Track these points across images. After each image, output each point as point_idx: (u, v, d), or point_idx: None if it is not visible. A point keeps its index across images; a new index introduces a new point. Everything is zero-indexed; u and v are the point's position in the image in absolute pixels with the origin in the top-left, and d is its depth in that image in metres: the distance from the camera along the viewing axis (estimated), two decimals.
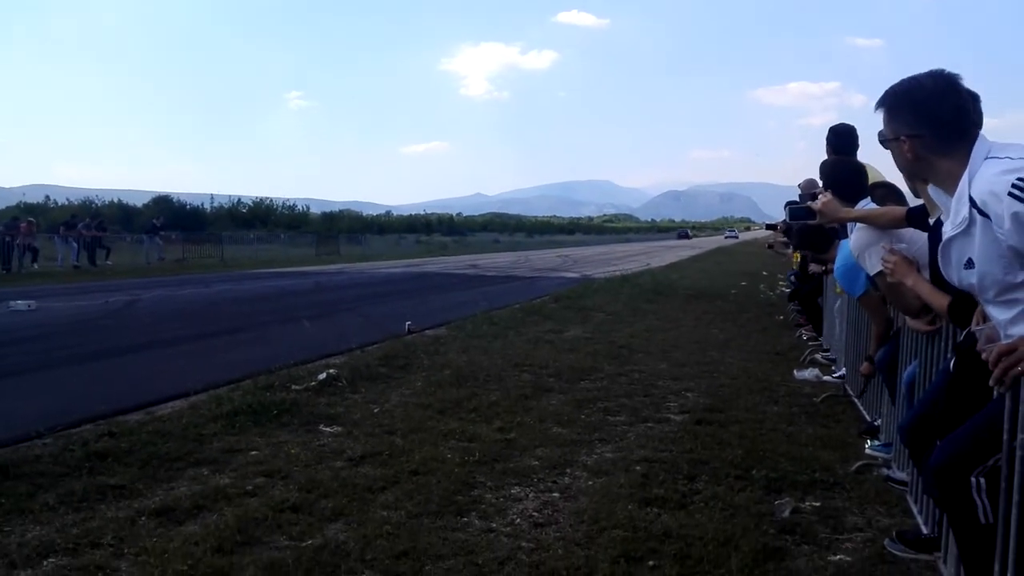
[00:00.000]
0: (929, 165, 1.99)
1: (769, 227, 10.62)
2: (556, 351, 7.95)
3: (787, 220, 3.94)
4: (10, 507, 3.45)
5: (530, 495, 3.78)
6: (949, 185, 1.95)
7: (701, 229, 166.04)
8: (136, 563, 2.95)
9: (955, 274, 1.96)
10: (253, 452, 4.37)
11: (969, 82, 1.97)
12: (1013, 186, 1.71)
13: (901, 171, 2.17)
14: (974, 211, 1.80)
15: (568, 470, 4.16)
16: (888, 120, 2.02)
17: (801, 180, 7.73)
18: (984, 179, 1.79)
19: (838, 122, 5.50)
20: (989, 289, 1.86)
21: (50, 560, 2.99)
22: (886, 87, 2.07)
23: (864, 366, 4.69)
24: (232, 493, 3.69)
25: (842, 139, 5.14)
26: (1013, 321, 1.85)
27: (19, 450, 4.27)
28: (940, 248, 1.98)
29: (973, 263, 1.86)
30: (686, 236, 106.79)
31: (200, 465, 4.14)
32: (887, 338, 4.24)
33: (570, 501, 3.70)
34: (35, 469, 3.93)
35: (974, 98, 1.97)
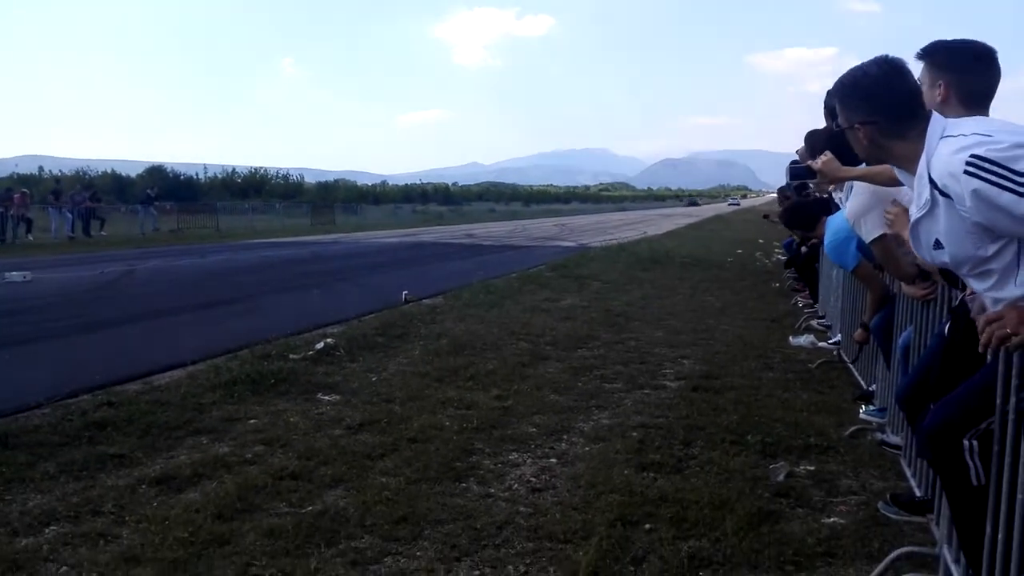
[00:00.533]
0: (886, 150, 2.02)
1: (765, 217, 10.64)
2: (553, 319, 7.97)
3: (788, 180, 3.96)
4: (11, 476, 3.48)
5: (528, 461, 3.81)
6: (909, 167, 1.98)
7: (699, 197, 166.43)
8: (137, 530, 2.98)
9: (926, 254, 2.00)
10: (252, 421, 4.40)
11: None
12: (967, 163, 1.73)
13: (861, 158, 2.20)
14: (935, 192, 1.83)
15: (565, 436, 4.19)
16: (842, 110, 2.06)
17: (799, 147, 7.70)
18: (941, 160, 1.81)
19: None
20: (963, 265, 1.90)
21: (52, 528, 3.02)
22: (883, 52, 2.08)
23: (859, 333, 4.71)
24: (232, 461, 3.72)
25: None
26: (993, 288, 1.87)
27: (18, 420, 4.29)
28: (909, 230, 2.00)
29: (941, 243, 1.89)
30: (695, 204, 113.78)
31: (199, 434, 4.16)
32: (883, 305, 4.25)
33: (567, 467, 3.74)
34: (35, 439, 3.95)
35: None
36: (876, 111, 1.97)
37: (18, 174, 46.70)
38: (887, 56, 1.99)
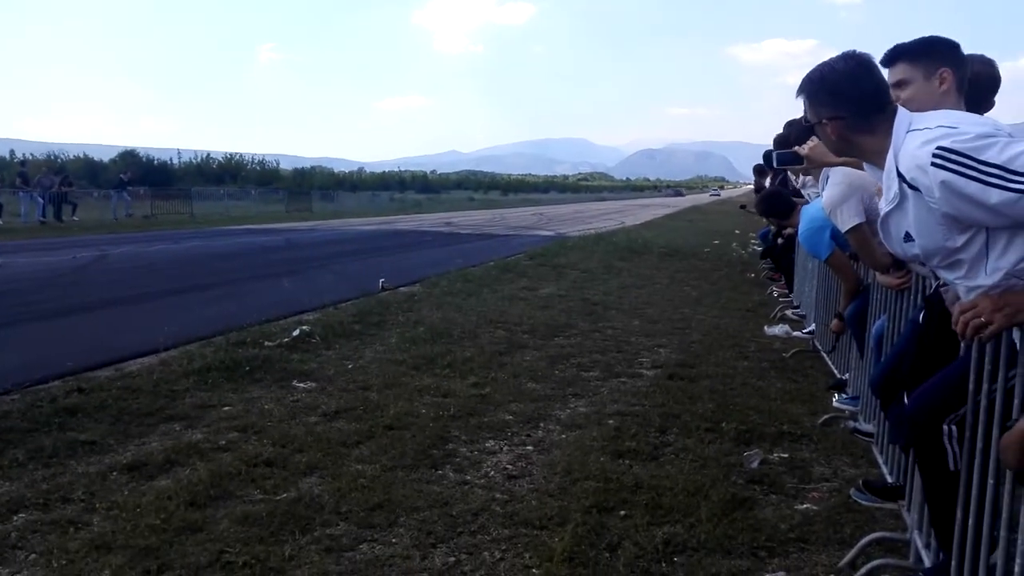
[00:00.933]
0: (854, 144, 2.04)
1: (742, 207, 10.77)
2: (530, 308, 7.97)
3: (774, 166, 3.98)
4: None
5: (504, 448, 3.81)
6: (877, 161, 2.00)
7: (664, 188, 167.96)
8: (108, 517, 2.94)
9: (897, 247, 2.02)
10: (226, 408, 4.35)
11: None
12: (934, 155, 1.75)
13: (831, 152, 2.22)
14: (904, 185, 1.85)
15: (542, 424, 4.20)
16: (809, 106, 2.08)
17: (778, 133, 7.80)
18: (908, 153, 1.83)
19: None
20: (934, 256, 1.92)
21: (20, 515, 2.97)
22: (862, 45, 2.09)
23: (834, 323, 4.76)
24: (205, 448, 3.68)
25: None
26: (964, 278, 1.89)
27: None
28: (880, 223, 2.03)
29: (912, 236, 1.92)
30: (680, 194, 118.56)
31: (172, 421, 4.11)
32: (856, 295, 4.30)
33: (544, 454, 3.74)
34: (3, 425, 3.88)
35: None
36: (843, 106, 1.98)
37: None
38: (854, 51, 2.01)
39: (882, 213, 1.99)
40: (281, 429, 3.98)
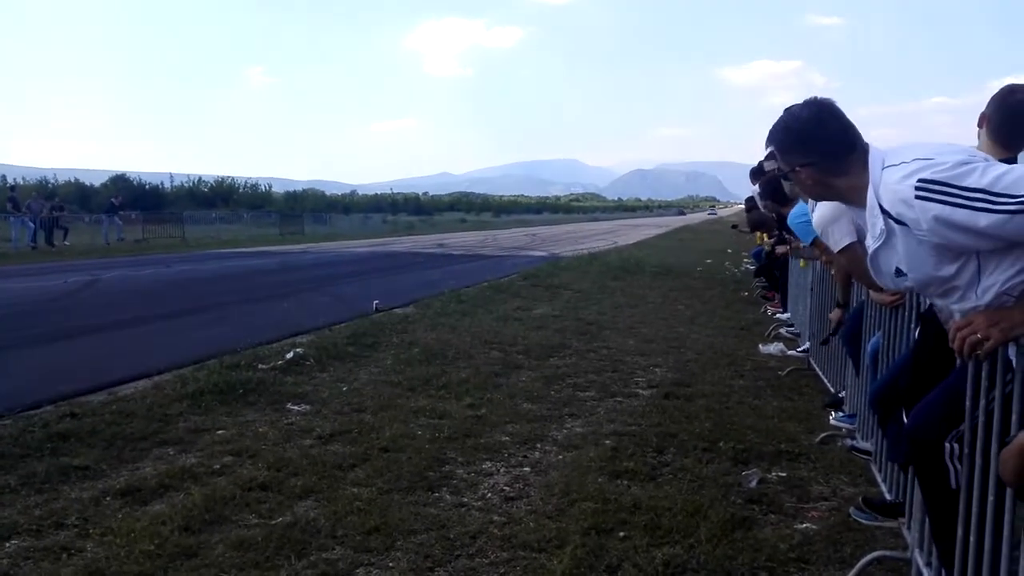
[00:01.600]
0: (830, 187, 2.04)
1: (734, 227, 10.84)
2: (525, 328, 7.96)
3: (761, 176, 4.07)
4: None
5: (501, 470, 3.79)
6: (856, 199, 2.00)
7: (668, 208, 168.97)
8: (102, 543, 2.90)
9: (889, 282, 2.04)
10: (220, 431, 4.31)
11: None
12: (917, 188, 1.75)
13: (809, 197, 2.23)
14: (890, 221, 1.85)
15: (539, 445, 4.18)
16: (781, 155, 2.08)
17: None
18: (889, 189, 1.83)
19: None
20: (928, 287, 1.94)
21: (13, 542, 2.93)
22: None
23: (835, 312, 4.66)
24: (199, 472, 3.64)
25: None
26: (957, 302, 1.90)
27: None
28: (869, 260, 2.03)
29: (903, 271, 1.93)
30: (682, 213, 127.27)
31: (166, 445, 4.07)
32: (850, 280, 4.28)
33: (541, 475, 3.72)
34: None
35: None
36: (813, 152, 1.99)
37: None
38: (815, 97, 2.03)
39: (870, 251, 2.00)
40: (276, 452, 3.94)
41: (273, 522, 3.11)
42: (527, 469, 3.81)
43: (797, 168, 2.03)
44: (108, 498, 3.34)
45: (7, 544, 2.91)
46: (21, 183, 38.62)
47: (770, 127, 2.10)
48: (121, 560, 2.75)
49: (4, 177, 50.19)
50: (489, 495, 3.46)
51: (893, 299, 3.29)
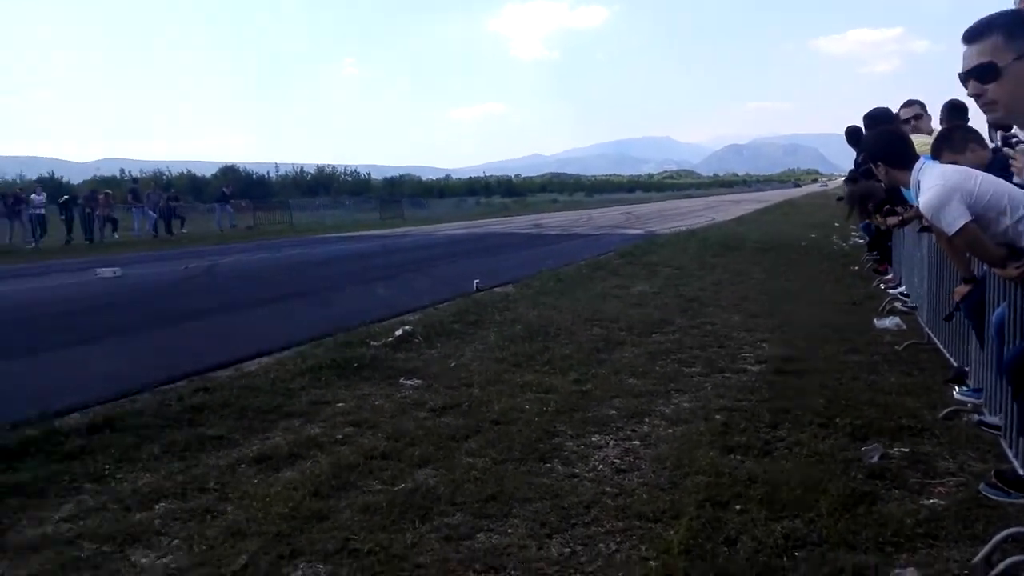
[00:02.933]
0: None
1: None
2: (625, 306, 7.93)
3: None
4: (120, 456, 3.68)
5: (610, 443, 3.82)
6: None
7: (767, 182, 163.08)
8: (240, 506, 3.11)
9: None
10: (339, 404, 4.53)
11: None
12: None
13: (1004, 109, 2.01)
14: None
15: (646, 419, 4.18)
16: (1004, 43, 1.90)
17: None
18: None
19: (952, 98, 5.92)
20: None
21: (161, 504, 3.18)
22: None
23: (960, 288, 4.24)
24: (324, 442, 3.84)
25: (958, 113, 5.64)
26: None
27: (121, 405, 4.51)
28: None
29: None
30: (797, 186, 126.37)
31: (291, 416, 4.31)
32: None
33: (650, 448, 3.73)
34: (138, 422, 4.15)
35: None
36: None
37: (100, 176, 48.83)
38: None
39: None
40: (393, 424, 4.11)
41: (395, 488, 3.25)
42: (636, 443, 3.83)
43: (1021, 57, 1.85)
44: (243, 465, 3.57)
45: (156, 506, 3.17)
46: (140, 174, 41.08)
47: (984, 16, 1.94)
48: (259, 521, 2.94)
49: (122, 171, 53.47)
50: (600, 467, 3.51)
51: (1020, 272, 3.11)
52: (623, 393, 4.66)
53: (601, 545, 2.76)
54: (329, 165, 61.58)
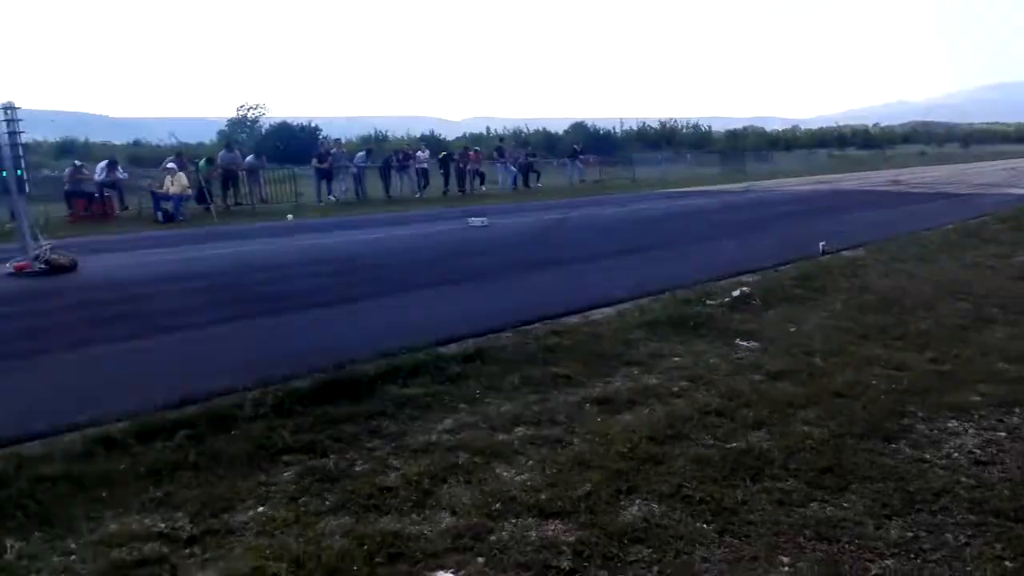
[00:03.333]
0: None
1: None
2: (1001, 279, 6.97)
3: None
4: (488, 384, 4.29)
5: (970, 431, 3.51)
6: None
7: None
8: (585, 440, 3.48)
9: None
10: (675, 358, 4.73)
11: None
12: None
13: None
14: None
15: (1017, 410, 3.74)
16: None
17: None
18: None
19: None
20: None
21: (519, 429, 3.67)
22: None
23: None
24: (660, 392, 4.08)
25: None
26: None
27: (489, 340, 5.19)
28: None
29: None
30: None
31: (631, 365, 4.62)
32: None
33: (1019, 443, 3.36)
34: (502, 356, 4.77)
35: None
36: None
37: (470, 134, 54.37)
38: None
39: None
40: (727, 383, 4.20)
41: (728, 446, 3.37)
42: (1002, 434, 3.47)
43: None
44: (588, 404, 3.95)
45: (515, 430, 3.66)
46: (504, 131, 44.89)
47: None
48: (601, 456, 3.28)
49: (488, 128, 58.86)
50: (955, 455, 3.26)
51: None
52: (991, 378, 4.20)
53: (948, 535, 2.62)
54: (671, 119, 61.46)
